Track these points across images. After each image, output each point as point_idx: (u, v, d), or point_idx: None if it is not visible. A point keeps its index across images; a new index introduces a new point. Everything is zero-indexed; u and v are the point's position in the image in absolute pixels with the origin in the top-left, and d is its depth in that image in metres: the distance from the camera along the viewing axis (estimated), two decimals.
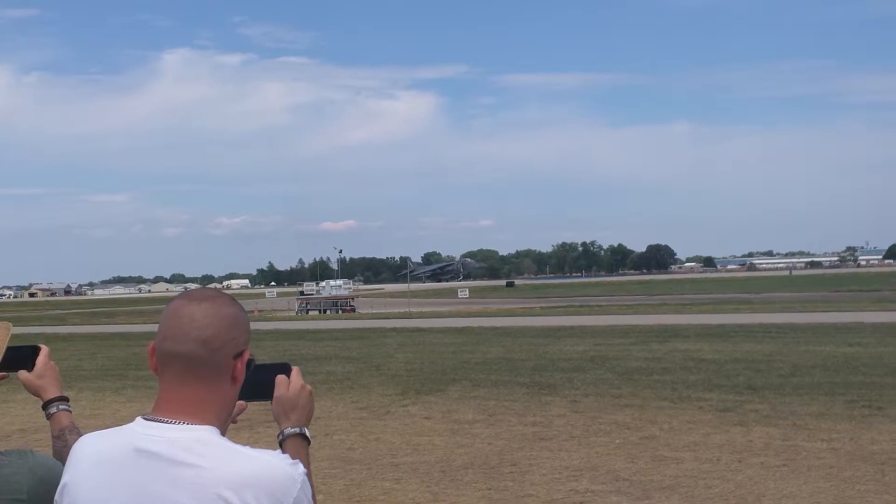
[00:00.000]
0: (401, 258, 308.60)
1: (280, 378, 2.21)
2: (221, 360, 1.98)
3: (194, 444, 1.89)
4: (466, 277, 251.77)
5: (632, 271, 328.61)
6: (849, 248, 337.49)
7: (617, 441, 11.91)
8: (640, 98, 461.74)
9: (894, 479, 9.43)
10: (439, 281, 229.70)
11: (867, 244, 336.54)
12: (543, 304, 68.58)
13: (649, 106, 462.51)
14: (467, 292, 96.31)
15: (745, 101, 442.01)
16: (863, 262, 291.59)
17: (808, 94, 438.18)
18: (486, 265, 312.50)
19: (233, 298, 2.08)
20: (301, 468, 1.93)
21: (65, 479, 2.03)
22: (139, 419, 1.99)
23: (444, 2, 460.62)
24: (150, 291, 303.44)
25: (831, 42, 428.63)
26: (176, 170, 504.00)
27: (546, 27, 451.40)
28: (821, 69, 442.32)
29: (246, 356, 2.04)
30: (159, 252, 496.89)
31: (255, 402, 2.24)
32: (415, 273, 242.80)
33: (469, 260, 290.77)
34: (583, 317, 44.11)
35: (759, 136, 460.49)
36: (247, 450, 1.91)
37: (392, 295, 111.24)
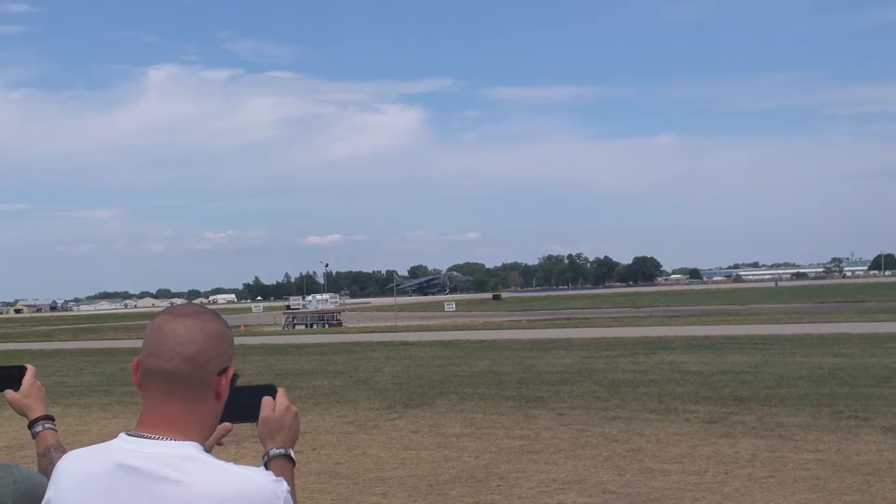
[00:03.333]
0: (387, 272, 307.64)
1: (266, 399, 2.20)
2: (205, 377, 1.98)
3: (176, 459, 1.89)
4: (453, 291, 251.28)
5: (618, 283, 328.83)
6: (834, 260, 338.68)
7: (604, 454, 11.91)
8: (625, 110, 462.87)
9: (880, 489, 9.47)
10: (426, 294, 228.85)
11: (852, 255, 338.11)
12: (530, 317, 68.59)
13: (635, 118, 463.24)
14: (454, 306, 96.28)
15: (731, 113, 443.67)
16: (848, 273, 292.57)
17: (793, 106, 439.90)
18: (473, 278, 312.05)
19: (217, 314, 2.07)
20: (284, 485, 1.93)
21: (48, 494, 2.03)
22: (122, 435, 1.99)
23: (430, 16, 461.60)
24: (135, 307, 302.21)
25: (816, 54, 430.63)
26: (161, 185, 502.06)
27: (532, 41, 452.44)
28: (806, 81, 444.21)
29: (230, 372, 2.04)
30: (145, 267, 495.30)
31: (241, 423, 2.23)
32: (401, 287, 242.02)
33: (456, 273, 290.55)
34: (569, 329, 44.14)
35: (745, 147, 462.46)
36: (230, 466, 1.91)
37: (379, 309, 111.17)
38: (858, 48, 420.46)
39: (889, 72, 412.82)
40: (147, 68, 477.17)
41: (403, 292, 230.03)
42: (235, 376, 2.07)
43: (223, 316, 2.10)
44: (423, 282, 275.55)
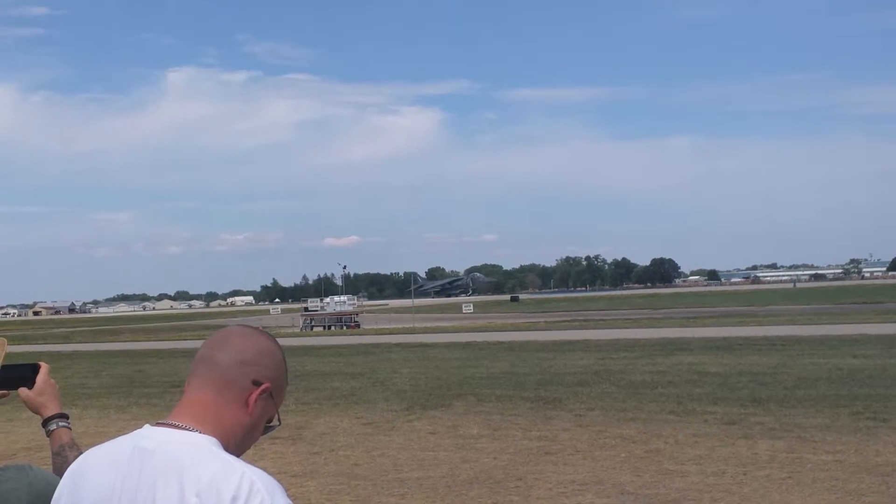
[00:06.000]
0: (405, 273, 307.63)
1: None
2: (240, 378, 2.05)
3: (188, 447, 1.94)
4: (476, 292, 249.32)
5: (636, 285, 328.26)
6: (853, 261, 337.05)
7: (622, 455, 11.89)
8: (641, 112, 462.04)
9: None
10: (448, 296, 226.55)
11: (871, 256, 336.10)
12: (548, 319, 68.49)
13: (651, 120, 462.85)
14: (472, 307, 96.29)
15: (747, 114, 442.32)
16: (867, 275, 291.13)
17: (809, 107, 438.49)
18: (496, 280, 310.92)
19: (275, 339, 2.20)
20: (282, 491, 1.92)
21: (60, 488, 2.10)
22: (146, 425, 2.06)
23: (447, 18, 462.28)
24: (154, 309, 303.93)
25: (831, 54, 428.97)
26: (179, 187, 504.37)
27: (548, 42, 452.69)
28: (822, 81, 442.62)
29: (266, 386, 2.08)
30: (163, 269, 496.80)
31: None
32: (423, 288, 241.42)
33: (478, 274, 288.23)
34: (587, 331, 44.04)
35: (761, 148, 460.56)
36: (237, 462, 1.93)
37: (396, 310, 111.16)
38: (874, 48, 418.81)
39: None
40: (165, 71, 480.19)
41: (425, 294, 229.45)
42: (271, 395, 2.10)
43: (250, 322, 2.18)
44: (446, 283, 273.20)
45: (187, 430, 1.98)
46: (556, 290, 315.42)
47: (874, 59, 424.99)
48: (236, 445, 2.05)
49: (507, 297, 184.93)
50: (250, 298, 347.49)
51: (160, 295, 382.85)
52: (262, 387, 2.07)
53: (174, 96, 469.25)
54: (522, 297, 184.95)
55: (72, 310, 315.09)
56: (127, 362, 33.73)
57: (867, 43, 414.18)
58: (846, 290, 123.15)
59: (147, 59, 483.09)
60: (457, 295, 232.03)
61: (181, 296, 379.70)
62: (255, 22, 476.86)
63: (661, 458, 11.61)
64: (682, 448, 12.20)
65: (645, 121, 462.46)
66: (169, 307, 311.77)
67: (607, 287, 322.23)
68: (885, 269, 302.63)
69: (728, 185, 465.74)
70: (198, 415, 2.01)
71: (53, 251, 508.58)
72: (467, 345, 35.65)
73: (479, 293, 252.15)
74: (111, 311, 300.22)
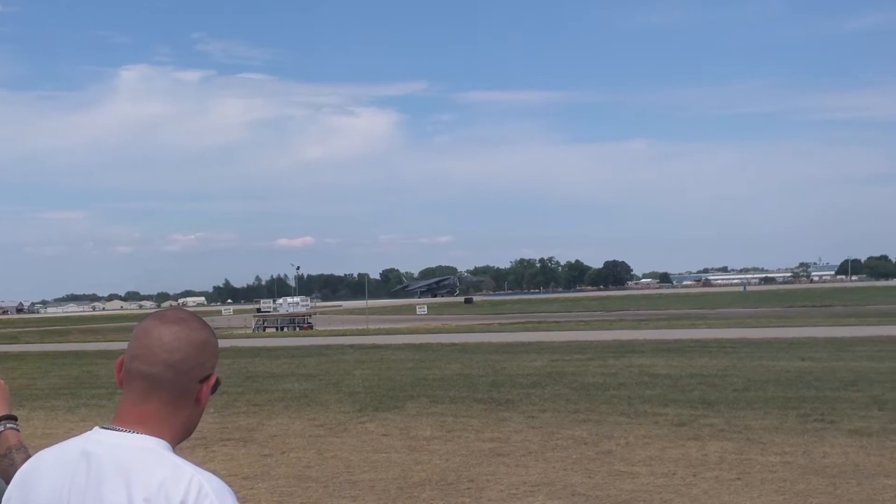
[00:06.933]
0: (358, 274, 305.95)
1: None
2: (187, 383, 2.04)
3: (136, 451, 1.94)
4: (464, 291, 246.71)
5: (589, 287, 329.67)
6: (802, 265, 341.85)
7: (574, 456, 11.96)
8: (598, 115, 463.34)
9: (846, 491, 9.57)
10: (434, 296, 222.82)
11: (820, 260, 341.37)
12: (501, 321, 68.63)
13: (608, 123, 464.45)
14: (425, 309, 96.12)
15: (703, 118, 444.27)
16: (815, 278, 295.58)
17: (762, 112, 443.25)
18: (486, 278, 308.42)
19: (204, 322, 2.13)
20: (231, 494, 1.93)
21: (9, 492, 2.08)
22: (96, 428, 2.04)
23: (404, 19, 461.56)
24: (104, 309, 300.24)
25: (785, 61, 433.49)
26: (131, 186, 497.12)
27: (505, 45, 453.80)
28: (775, 87, 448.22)
29: (213, 380, 2.09)
30: (114, 269, 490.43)
31: None
32: (409, 288, 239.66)
33: (466, 273, 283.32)
34: (540, 333, 44.26)
35: (715, 153, 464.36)
36: (187, 465, 1.94)
37: (350, 312, 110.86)
38: (826, 56, 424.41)
39: (856, 80, 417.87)
40: (119, 69, 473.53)
41: (412, 294, 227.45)
42: (217, 383, 2.10)
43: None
44: (433, 283, 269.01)
45: (136, 433, 1.97)
46: (510, 291, 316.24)
47: (827, 66, 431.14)
48: (185, 434, 2.07)
49: (462, 298, 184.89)
50: (202, 299, 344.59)
51: (110, 295, 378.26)
52: (211, 381, 2.08)
53: (127, 94, 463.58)
54: (476, 298, 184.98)
55: (20, 310, 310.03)
56: (76, 363, 33.31)
57: (822, 49, 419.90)
58: (795, 294, 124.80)
59: (100, 56, 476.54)
60: (443, 295, 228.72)
61: (132, 296, 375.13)
62: (209, 21, 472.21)
63: (612, 459, 11.69)
64: (632, 449, 12.29)
65: (601, 124, 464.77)
66: (119, 308, 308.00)
67: (561, 289, 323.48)
68: (833, 272, 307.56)
69: (681, 189, 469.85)
70: (146, 419, 2.00)
71: (1, 250, 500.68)
72: (421, 346, 35.65)
73: (470, 292, 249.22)
74: (60, 311, 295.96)
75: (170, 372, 2.00)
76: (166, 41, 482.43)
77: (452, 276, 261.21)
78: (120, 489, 1.88)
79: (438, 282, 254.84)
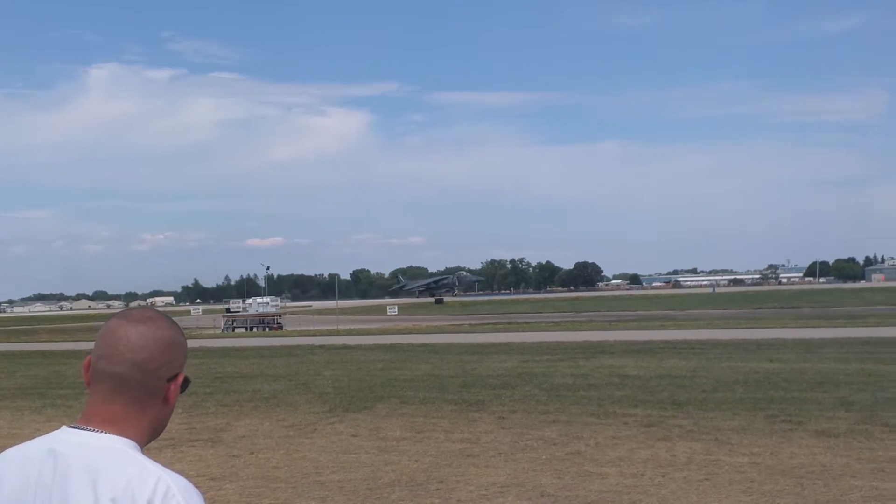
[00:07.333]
0: (329, 274, 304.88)
1: None
2: (155, 383, 2.04)
3: (104, 451, 1.93)
4: (463, 291, 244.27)
5: (559, 288, 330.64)
6: (770, 266, 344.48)
7: (543, 457, 11.99)
8: (570, 117, 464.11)
9: (813, 492, 9.65)
10: (432, 295, 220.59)
11: (788, 262, 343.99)
12: (472, 321, 68.73)
13: (580, 125, 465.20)
14: (396, 309, 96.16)
15: (674, 121, 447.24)
16: (784, 280, 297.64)
17: (733, 115, 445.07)
18: (484, 278, 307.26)
19: (172, 321, 2.14)
20: (198, 494, 1.94)
21: None
22: (64, 427, 2.04)
23: (376, 20, 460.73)
24: (71, 309, 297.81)
25: (756, 64, 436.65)
26: (100, 185, 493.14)
27: (478, 46, 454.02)
28: (746, 90, 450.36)
29: (180, 379, 2.09)
30: (81, 269, 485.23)
31: None
32: (407, 288, 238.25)
33: (465, 273, 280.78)
34: (510, 333, 44.34)
35: (686, 155, 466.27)
36: (153, 465, 1.93)
37: (320, 312, 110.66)
38: (797, 59, 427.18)
39: (825, 83, 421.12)
40: (88, 67, 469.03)
41: (409, 294, 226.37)
42: (187, 382, 2.11)
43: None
44: (431, 283, 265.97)
45: (104, 433, 1.96)
46: (481, 292, 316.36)
47: (800, 68, 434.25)
48: (153, 434, 2.08)
49: (432, 299, 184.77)
50: (171, 299, 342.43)
51: (78, 295, 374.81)
52: (179, 379, 2.09)
53: (97, 93, 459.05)
54: (447, 299, 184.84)
55: None
56: (42, 363, 33.03)
57: (793, 53, 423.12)
58: (763, 295, 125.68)
59: (69, 54, 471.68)
60: (441, 294, 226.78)
61: (100, 296, 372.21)
62: (180, 19, 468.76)
63: (581, 459, 11.72)
64: (602, 450, 12.34)
65: (573, 126, 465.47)
66: (87, 307, 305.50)
67: (531, 290, 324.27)
68: (801, 274, 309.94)
69: (652, 191, 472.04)
70: (113, 419, 2.00)
71: None
72: (391, 347, 35.63)
73: (469, 292, 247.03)
74: (27, 310, 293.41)
75: (136, 371, 2.00)
76: (137, 40, 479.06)
77: (451, 276, 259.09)
78: (86, 489, 1.88)
79: (437, 281, 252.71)
